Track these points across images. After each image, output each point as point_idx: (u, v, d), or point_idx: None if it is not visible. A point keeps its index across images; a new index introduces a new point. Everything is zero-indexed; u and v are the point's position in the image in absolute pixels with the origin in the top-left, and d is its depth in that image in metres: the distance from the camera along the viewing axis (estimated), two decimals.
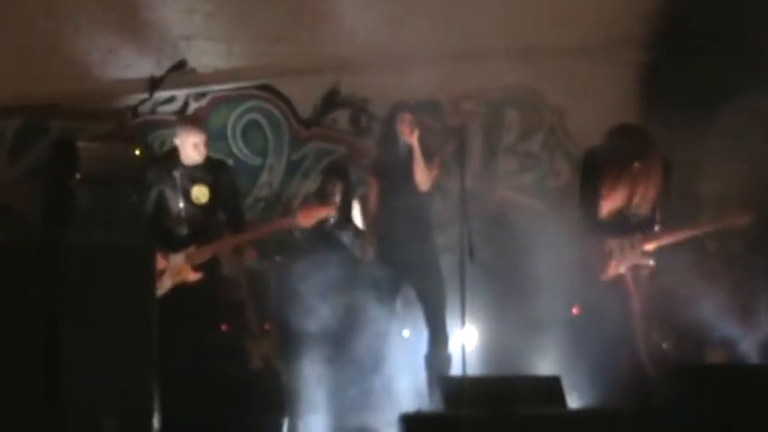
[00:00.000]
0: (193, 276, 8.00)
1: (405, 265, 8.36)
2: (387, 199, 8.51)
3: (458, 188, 9.96)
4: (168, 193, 8.13)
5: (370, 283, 8.33)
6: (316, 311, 8.24)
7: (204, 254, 8.03)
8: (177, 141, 8.22)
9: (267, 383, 7.12)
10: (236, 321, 8.67)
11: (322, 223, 8.61)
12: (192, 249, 8.01)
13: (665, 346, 8.86)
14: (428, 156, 8.43)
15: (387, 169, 8.54)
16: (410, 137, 8.35)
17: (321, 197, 9.11)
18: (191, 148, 8.15)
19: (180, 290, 7.95)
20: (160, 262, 7.67)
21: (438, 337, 8.28)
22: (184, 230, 8.09)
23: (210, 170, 8.28)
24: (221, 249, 8.17)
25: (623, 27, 10.19)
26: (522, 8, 10.28)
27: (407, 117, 8.49)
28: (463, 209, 7.84)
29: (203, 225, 8.13)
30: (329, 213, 8.38)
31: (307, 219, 8.14)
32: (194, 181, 8.17)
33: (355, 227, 8.96)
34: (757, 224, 9.05)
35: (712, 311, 8.59)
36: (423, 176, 8.39)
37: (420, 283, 8.43)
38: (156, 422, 6.63)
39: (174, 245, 8.01)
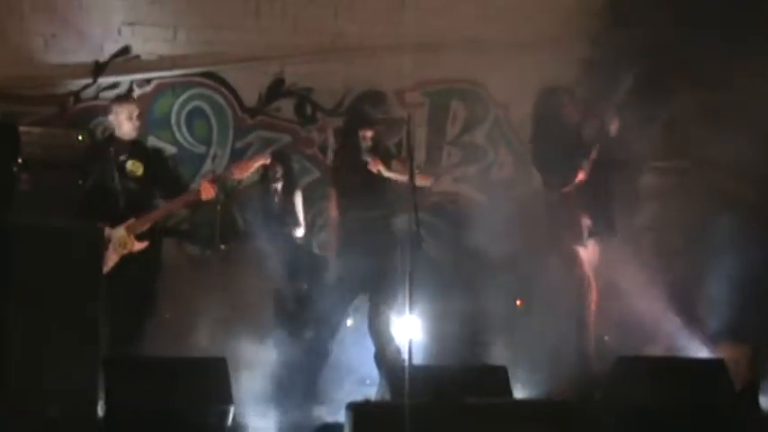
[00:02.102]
0: (139, 246, 7.99)
1: (364, 279, 8.30)
2: (346, 211, 8.47)
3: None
4: (106, 173, 8.09)
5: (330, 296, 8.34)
6: (262, 299, 8.24)
7: (144, 223, 8.03)
8: (111, 117, 8.23)
9: (213, 371, 7.05)
10: (179, 309, 8.64)
11: (265, 212, 8.65)
12: (131, 221, 7.98)
13: (606, 338, 8.94)
14: (388, 158, 8.39)
15: (347, 181, 8.49)
16: (374, 167, 8.26)
17: (264, 182, 9.12)
18: (126, 119, 8.20)
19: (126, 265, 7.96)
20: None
21: (383, 347, 8.25)
22: (122, 204, 8.04)
23: (144, 150, 8.37)
24: (161, 216, 8.14)
25: (570, 21, 10.24)
26: (468, 1, 10.33)
27: (368, 134, 8.46)
28: (412, 199, 7.84)
29: (140, 198, 8.11)
30: (264, 162, 8.37)
31: (240, 171, 8.19)
32: (129, 156, 8.15)
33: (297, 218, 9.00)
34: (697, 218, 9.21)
35: (652, 304, 8.68)
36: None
37: (376, 297, 8.37)
38: (100, 409, 6.57)
39: (113, 219, 7.97)
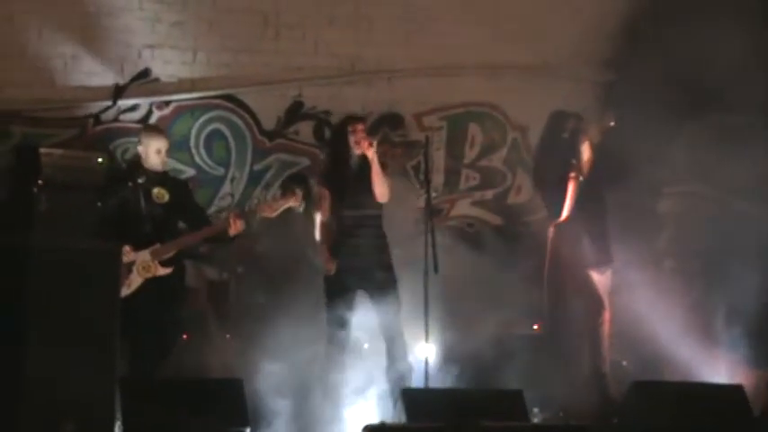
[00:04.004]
0: (163, 271, 7.97)
1: (360, 275, 8.18)
2: (340, 210, 8.31)
3: (416, 202, 10.10)
4: (131, 197, 8.07)
5: (328, 293, 8.27)
6: (277, 321, 8.23)
7: (169, 249, 7.98)
8: (140, 148, 8.19)
9: (229, 392, 7.06)
10: (196, 330, 8.65)
11: (287, 225, 8.63)
12: (157, 246, 7.97)
13: (624, 363, 8.92)
14: (382, 167, 8.29)
15: (339, 180, 8.32)
16: (367, 149, 8.14)
17: None
18: (154, 153, 8.13)
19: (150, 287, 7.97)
20: (128, 254, 7.76)
21: (395, 349, 8.15)
22: (148, 228, 8.03)
23: (170, 180, 8.31)
24: (186, 244, 8.12)
25: (586, 45, 10.28)
26: (486, 25, 10.36)
27: (360, 127, 8.32)
28: (429, 222, 7.87)
29: (165, 223, 8.09)
30: (294, 204, 8.31)
31: (270, 210, 8.10)
32: (155, 184, 8.14)
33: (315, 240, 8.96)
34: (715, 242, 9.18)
35: (671, 329, 8.65)
36: (382, 188, 8.14)
37: (375, 293, 8.20)
38: (117, 430, 6.58)
39: (138, 243, 7.96)
